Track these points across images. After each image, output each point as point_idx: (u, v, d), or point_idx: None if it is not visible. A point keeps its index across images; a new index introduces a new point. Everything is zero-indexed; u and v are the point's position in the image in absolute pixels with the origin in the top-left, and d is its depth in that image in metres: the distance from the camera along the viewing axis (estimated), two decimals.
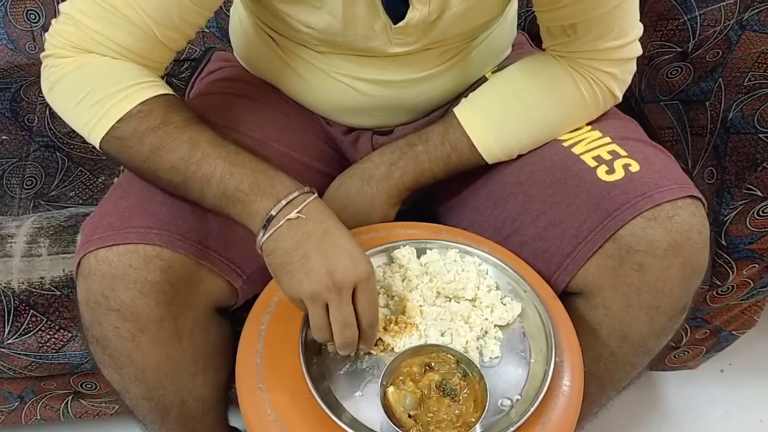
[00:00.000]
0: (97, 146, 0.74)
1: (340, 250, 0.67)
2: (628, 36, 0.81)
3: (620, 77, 0.84)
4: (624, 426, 1.26)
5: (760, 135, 0.86)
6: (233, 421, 1.02)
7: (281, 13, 0.81)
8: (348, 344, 0.69)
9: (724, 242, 0.94)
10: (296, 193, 0.69)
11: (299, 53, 0.89)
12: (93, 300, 0.74)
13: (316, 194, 0.71)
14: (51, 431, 1.24)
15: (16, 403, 1.10)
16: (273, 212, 0.68)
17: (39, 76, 0.78)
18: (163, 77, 0.74)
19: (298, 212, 0.68)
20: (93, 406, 1.12)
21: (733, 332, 1.13)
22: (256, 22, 0.92)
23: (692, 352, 1.17)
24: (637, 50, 0.83)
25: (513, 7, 0.96)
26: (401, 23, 0.78)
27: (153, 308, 0.74)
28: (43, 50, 0.77)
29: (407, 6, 0.76)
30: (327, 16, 0.78)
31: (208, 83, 1.00)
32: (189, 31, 0.77)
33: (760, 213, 0.90)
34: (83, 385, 1.08)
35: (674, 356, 1.17)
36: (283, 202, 0.68)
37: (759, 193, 0.87)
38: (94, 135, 0.74)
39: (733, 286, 1.01)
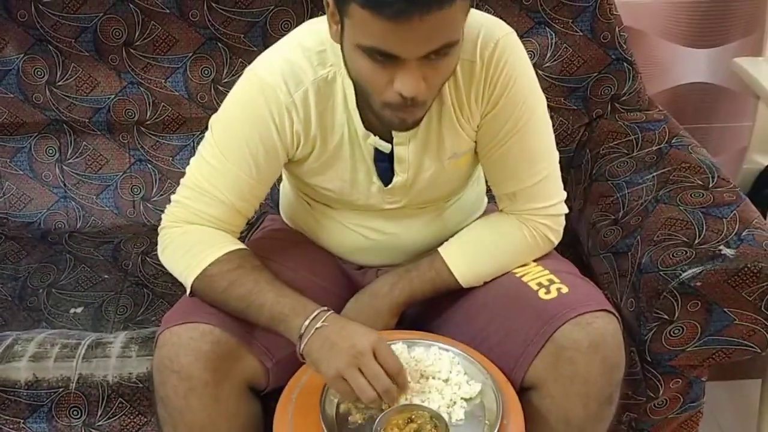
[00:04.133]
0: (189, 284, 1.07)
1: (352, 331, 0.99)
2: (554, 198, 1.15)
3: (553, 227, 1.17)
4: None
5: (661, 273, 1.18)
6: None
7: (310, 183, 1.19)
8: (386, 391, 0.95)
9: (648, 358, 1.22)
10: (317, 311, 1.02)
11: (324, 211, 1.26)
12: (162, 364, 1.05)
13: (332, 311, 1.02)
14: None
15: None
16: (304, 326, 1.00)
17: (135, 233, 1.16)
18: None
19: (322, 322, 1.01)
20: None
21: None
22: (296, 192, 1.31)
23: None
24: (563, 209, 1.17)
25: (480, 184, 1.32)
26: (390, 186, 1.15)
27: (202, 371, 1.03)
28: (147, 217, 1.16)
29: (393, 173, 1.14)
30: (338, 182, 1.16)
31: (262, 231, 1.39)
32: (256, 202, 1.15)
33: (671, 333, 1.19)
34: None
35: None
36: (311, 316, 1.01)
37: (666, 317, 1.17)
38: (190, 275, 1.08)
39: (666, 400, 1.27)
